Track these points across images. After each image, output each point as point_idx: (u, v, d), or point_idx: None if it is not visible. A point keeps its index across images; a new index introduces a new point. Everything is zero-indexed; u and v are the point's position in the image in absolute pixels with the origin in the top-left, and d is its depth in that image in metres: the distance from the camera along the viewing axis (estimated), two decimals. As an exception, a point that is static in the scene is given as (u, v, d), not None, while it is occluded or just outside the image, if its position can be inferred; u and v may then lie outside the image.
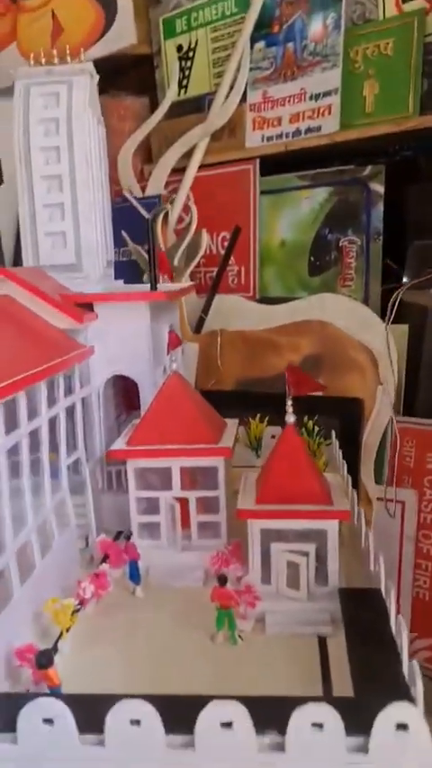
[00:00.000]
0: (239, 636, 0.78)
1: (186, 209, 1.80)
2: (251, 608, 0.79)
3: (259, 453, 1.40)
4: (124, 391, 1.19)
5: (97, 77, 1.23)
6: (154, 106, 1.96)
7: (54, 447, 0.93)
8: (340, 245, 1.65)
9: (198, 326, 1.72)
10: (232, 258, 1.74)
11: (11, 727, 0.59)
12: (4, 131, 1.91)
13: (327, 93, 1.59)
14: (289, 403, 0.85)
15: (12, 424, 0.77)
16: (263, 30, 1.71)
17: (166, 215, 1.76)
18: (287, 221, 1.72)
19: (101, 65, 1.25)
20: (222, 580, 0.77)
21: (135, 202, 1.20)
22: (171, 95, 1.88)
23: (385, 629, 0.73)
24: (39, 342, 0.90)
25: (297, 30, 1.65)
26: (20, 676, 0.72)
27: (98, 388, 1.06)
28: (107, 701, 0.59)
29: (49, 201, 1.18)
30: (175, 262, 1.70)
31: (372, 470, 1.54)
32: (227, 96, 1.75)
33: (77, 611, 0.80)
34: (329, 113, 1.59)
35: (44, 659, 0.65)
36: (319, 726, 0.57)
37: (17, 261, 1.95)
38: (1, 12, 1.92)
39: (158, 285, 1.11)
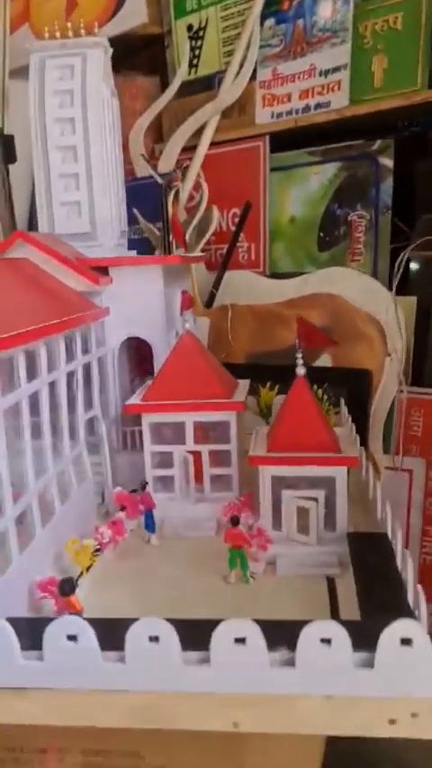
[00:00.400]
0: (251, 576, 0.81)
1: (197, 186, 1.82)
2: (263, 551, 0.83)
3: (269, 421, 1.43)
4: (138, 357, 1.22)
5: (111, 51, 1.26)
6: (165, 86, 1.99)
7: (71, 408, 0.96)
8: (349, 219, 1.67)
9: (209, 301, 1.75)
10: (242, 235, 1.77)
11: (37, 645, 0.63)
12: (18, 110, 1.95)
13: (336, 69, 1.61)
14: (299, 355, 0.88)
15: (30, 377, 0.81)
16: (273, 7, 1.72)
17: (177, 193, 1.79)
18: (297, 197, 1.74)
19: (112, 44, 1.27)
20: (235, 521, 0.80)
21: (151, 169, 1.22)
22: (182, 74, 1.90)
23: (392, 566, 0.76)
24: (56, 300, 0.93)
25: (307, 6, 1.67)
26: (42, 609, 0.76)
27: (113, 350, 1.09)
28: (127, 622, 0.62)
29: (64, 172, 1.21)
30: (186, 238, 1.73)
31: (380, 440, 1.57)
32: (237, 74, 1.77)
33: (97, 551, 0.83)
34: (339, 89, 1.61)
35: (67, 586, 0.68)
36: (327, 641, 0.60)
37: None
38: (14, -7, 1.95)
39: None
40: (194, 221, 1.74)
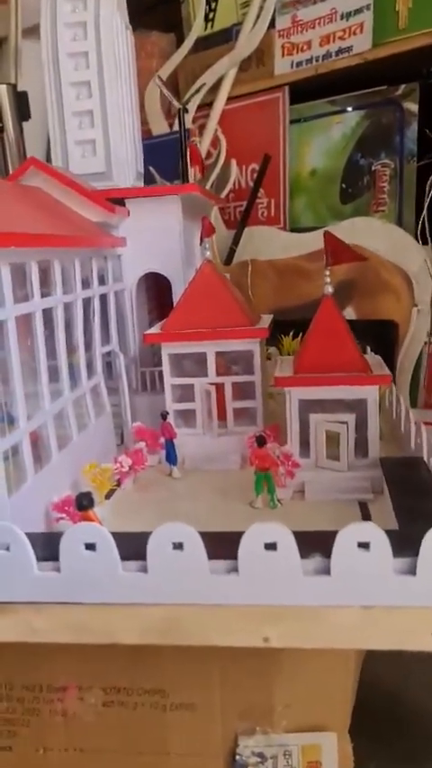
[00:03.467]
0: (279, 501, 0.77)
1: (215, 143, 1.78)
2: (290, 477, 0.78)
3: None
4: (156, 295, 1.18)
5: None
6: (181, 43, 1.94)
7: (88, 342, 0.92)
8: (373, 169, 1.61)
9: (228, 258, 1.70)
10: (262, 190, 1.72)
11: (54, 556, 0.59)
12: (31, 69, 1.91)
13: (358, 11, 1.55)
14: (327, 273, 0.83)
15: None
16: None
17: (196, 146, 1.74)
18: (318, 149, 1.69)
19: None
20: (261, 440, 0.76)
21: (164, 89, 1.18)
22: (197, 29, 1.85)
23: (429, 486, 0.71)
24: (71, 224, 0.89)
25: None
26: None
27: (131, 286, 1.05)
28: (149, 535, 0.58)
29: (78, 109, 1.17)
30: (204, 194, 1.68)
31: (407, 393, 1.51)
32: (254, 23, 1.72)
33: (117, 484, 0.80)
34: (361, 32, 1.55)
35: (85, 500, 0.64)
36: (365, 546, 0.55)
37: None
38: None
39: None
40: (212, 176, 1.69)
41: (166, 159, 1.60)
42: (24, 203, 0.83)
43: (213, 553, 0.57)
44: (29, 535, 0.59)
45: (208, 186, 1.69)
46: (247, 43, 1.72)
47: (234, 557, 0.57)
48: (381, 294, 1.51)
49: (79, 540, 0.58)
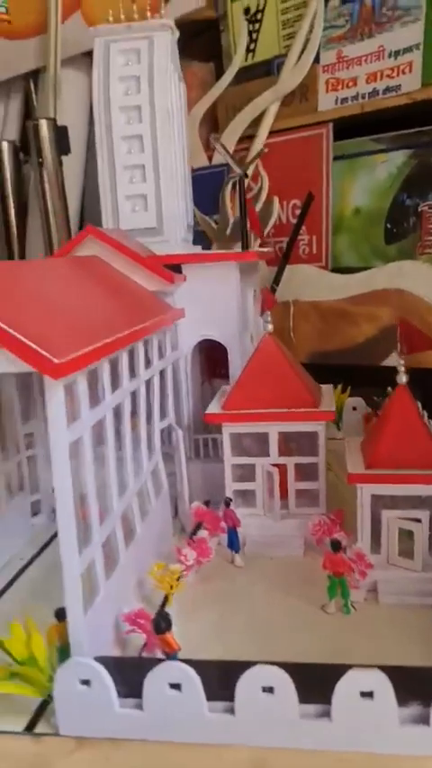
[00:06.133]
0: (352, 605, 0.74)
1: (256, 177, 1.75)
2: (362, 578, 0.75)
3: (340, 425, 1.35)
4: (206, 358, 1.15)
5: (177, 33, 1.19)
6: (220, 73, 1.90)
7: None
8: (419, 210, 1.57)
9: (269, 298, 1.67)
10: (303, 227, 1.68)
11: (136, 692, 0.56)
12: (71, 100, 1.89)
13: (407, 50, 1.51)
14: (401, 362, 0.80)
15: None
16: (337, -15, 1.63)
17: (236, 184, 1.71)
18: (362, 187, 1.65)
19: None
20: (336, 545, 0.73)
21: (225, 154, 1.15)
22: (239, 60, 1.81)
23: None
24: (133, 302, 0.86)
25: (375, -16, 1.57)
26: (129, 642, 0.70)
27: (186, 354, 1.02)
28: (235, 667, 0.55)
29: (129, 163, 1.15)
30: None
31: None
32: (299, 58, 1.68)
33: (181, 577, 0.77)
34: (410, 71, 1.51)
35: (164, 623, 0.61)
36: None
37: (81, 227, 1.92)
38: (66, -21, 1.88)
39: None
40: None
41: (204, 193, 1.58)
42: (89, 282, 0.80)
43: (304, 697, 0.54)
44: (108, 663, 0.57)
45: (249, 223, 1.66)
46: (290, 78, 1.69)
47: (326, 701, 0.54)
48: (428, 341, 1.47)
49: (165, 680, 0.55)
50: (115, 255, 0.96)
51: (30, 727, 0.59)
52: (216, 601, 0.79)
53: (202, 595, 0.80)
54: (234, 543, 0.86)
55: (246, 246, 1.03)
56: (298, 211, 1.68)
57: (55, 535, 0.96)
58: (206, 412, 0.90)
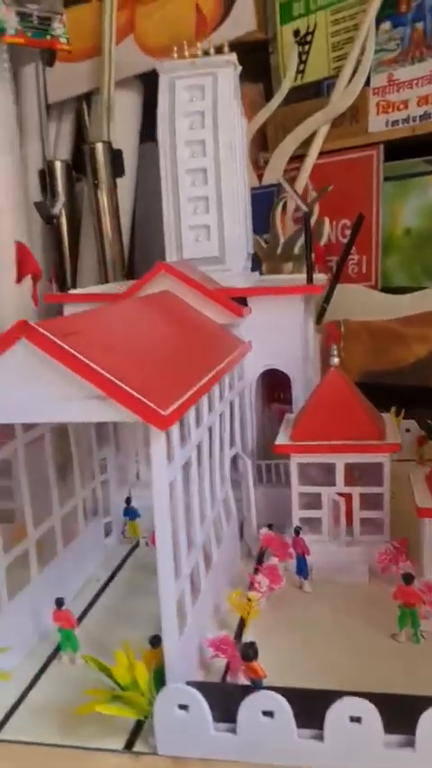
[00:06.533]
0: (422, 635, 0.77)
1: (305, 195, 1.78)
2: (432, 608, 0.79)
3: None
4: (265, 383, 1.19)
5: (240, 68, 1.23)
6: (269, 93, 1.94)
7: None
8: (472, 231, 1.59)
9: (319, 317, 1.70)
10: (353, 247, 1.71)
11: (230, 717, 0.61)
12: (121, 121, 1.94)
13: (459, 74, 1.53)
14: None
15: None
16: (389, 10, 1.66)
17: (285, 204, 1.75)
18: (413, 208, 1.68)
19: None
20: (408, 578, 0.76)
21: (291, 191, 1.19)
22: (288, 83, 1.85)
23: None
24: (209, 339, 0.91)
25: (427, 8, 1.59)
26: (211, 666, 0.74)
27: (251, 383, 1.07)
28: (323, 696, 0.59)
29: (193, 195, 1.19)
30: (296, 250, 1.69)
31: None
32: (350, 80, 1.71)
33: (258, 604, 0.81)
34: (462, 95, 1.54)
35: (252, 651, 0.66)
36: None
37: (132, 254, 1.97)
38: (120, 5, 1.94)
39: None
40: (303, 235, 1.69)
41: (255, 213, 1.61)
42: (167, 323, 0.85)
43: (390, 726, 0.58)
44: (202, 689, 0.61)
45: (299, 242, 1.70)
46: (341, 100, 1.72)
47: (411, 731, 0.58)
48: None
49: (258, 708, 0.60)
50: (186, 290, 1.00)
51: (128, 746, 0.64)
52: (289, 627, 0.82)
53: (275, 621, 0.83)
54: (303, 570, 0.90)
55: (310, 279, 1.06)
56: (348, 231, 1.71)
57: (127, 557, 1.02)
58: (276, 443, 0.94)
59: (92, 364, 0.57)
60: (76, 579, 0.92)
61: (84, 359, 0.58)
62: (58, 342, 0.58)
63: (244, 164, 1.23)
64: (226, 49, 1.22)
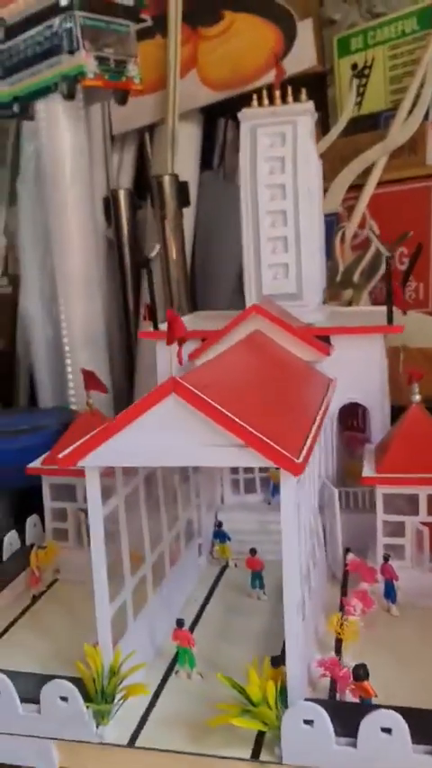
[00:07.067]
0: None
1: (363, 224, 1.85)
2: None
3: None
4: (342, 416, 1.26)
5: (317, 116, 1.31)
6: (325, 123, 2.01)
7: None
8: None
9: (378, 343, 1.76)
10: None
11: (350, 732, 0.68)
12: (183, 152, 2.03)
13: None
14: None
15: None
16: (448, 47, 1.72)
17: (344, 233, 1.82)
18: (469, 238, 1.73)
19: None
20: None
21: (376, 240, 1.26)
22: (347, 116, 1.92)
23: None
24: (305, 379, 0.98)
25: None
26: (317, 685, 0.81)
27: (333, 416, 1.14)
28: (433, 715, 0.66)
29: (273, 235, 1.27)
30: (355, 279, 1.76)
31: None
32: (409, 113, 1.77)
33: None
34: None
35: (363, 671, 0.73)
36: None
37: (193, 284, 2.04)
38: (183, 40, 2.02)
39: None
40: (364, 262, 1.76)
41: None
42: (271, 368, 0.93)
43: None
44: (328, 709, 0.69)
45: (359, 271, 1.77)
46: (400, 133, 1.78)
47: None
48: None
49: (378, 724, 0.67)
50: (275, 329, 1.08)
51: (255, 755, 0.72)
52: (382, 648, 0.89)
53: (369, 643, 0.90)
54: (391, 594, 0.97)
55: (390, 320, 1.13)
56: (405, 260, 1.77)
57: (219, 575, 1.10)
58: (363, 476, 1.01)
59: (233, 417, 0.65)
60: (179, 599, 0.99)
61: (226, 412, 0.65)
62: (204, 397, 0.66)
63: (320, 205, 1.31)
64: (303, 96, 1.29)
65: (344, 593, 1.00)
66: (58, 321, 1.81)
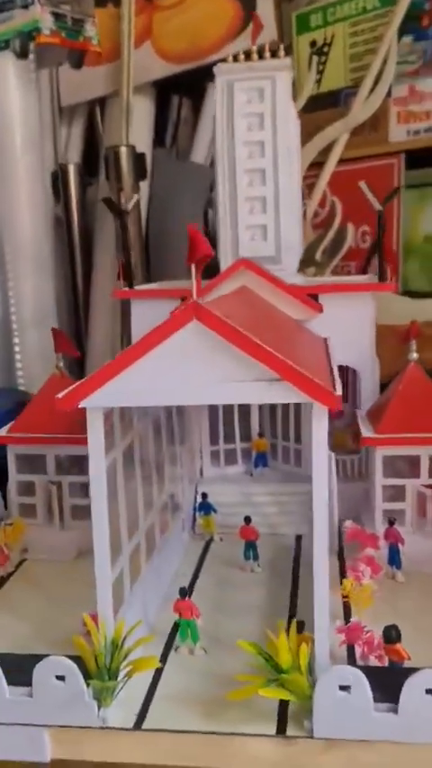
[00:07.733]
0: None
1: (323, 202, 1.82)
2: None
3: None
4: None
5: (294, 72, 1.25)
6: (285, 102, 1.96)
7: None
8: None
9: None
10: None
11: (391, 697, 0.61)
12: (139, 127, 1.95)
13: None
14: None
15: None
16: (410, 24, 1.71)
17: (305, 211, 1.78)
18: (432, 215, 1.73)
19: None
20: None
21: (367, 192, 1.21)
22: (307, 93, 1.88)
23: None
24: (303, 334, 0.92)
25: (449, 24, 1.65)
26: (336, 653, 0.74)
27: (324, 378, 1.08)
28: None
29: (250, 195, 1.20)
30: (318, 257, 1.73)
31: None
32: (371, 91, 1.75)
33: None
34: None
35: (395, 634, 0.67)
36: None
37: (148, 257, 1.96)
38: (137, 10, 1.94)
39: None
40: (327, 239, 1.73)
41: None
42: (276, 320, 0.86)
43: None
44: (366, 673, 0.62)
45: (321, 248, 1.73)
46: (362, 110, 1.76)
47: None
48: None
49: (422, 687, 0.60)
50: (264, 286, 1.01)
51: (281, 730, 0.64)
52: (393, 615, 0.83)
53: (378, 608, 0.84)
54: (395, 560, 0.91)
55: (383, 278, 1.09)
56: (368, 237, 1.75)
57: (205, 550, 1.02)
58: (363, 436, 0.95)
59: (267, 347, 0.58)
60: (168, 571, 0.91)
61: (259, 342, 0.58)
62: (234, 325, 0.58)
63: (299, 165, 1.25)
64: (281, 53, 1.24)
65: (341, 562, 0.94)
66: (7, 298, 1.69)
